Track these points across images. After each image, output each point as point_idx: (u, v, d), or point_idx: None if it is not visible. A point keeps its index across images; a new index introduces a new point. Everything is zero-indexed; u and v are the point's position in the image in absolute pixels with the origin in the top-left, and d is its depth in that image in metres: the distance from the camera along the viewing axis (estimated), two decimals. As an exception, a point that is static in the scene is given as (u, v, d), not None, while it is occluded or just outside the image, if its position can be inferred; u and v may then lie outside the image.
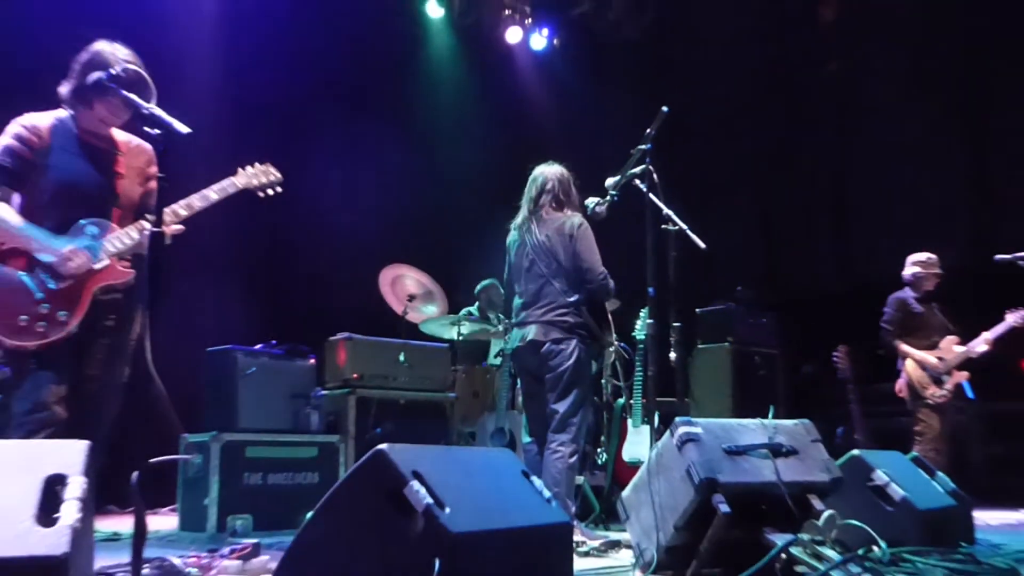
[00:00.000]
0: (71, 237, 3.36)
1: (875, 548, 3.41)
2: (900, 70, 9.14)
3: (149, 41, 3.80)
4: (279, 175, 3.80)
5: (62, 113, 3.49)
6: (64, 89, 3.46)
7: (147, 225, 3.40)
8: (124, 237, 3.43)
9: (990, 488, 6.93)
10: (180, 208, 3.48)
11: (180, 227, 3.49)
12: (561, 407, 4.65)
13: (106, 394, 3.45)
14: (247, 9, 7.76)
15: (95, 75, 3.32)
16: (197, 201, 3.51)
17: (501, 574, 2.68)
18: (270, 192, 3.78)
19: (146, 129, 3.05)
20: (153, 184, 3.57)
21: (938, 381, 6.39)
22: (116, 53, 3.37)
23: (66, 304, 3.31)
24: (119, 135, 3.59)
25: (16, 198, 3.40)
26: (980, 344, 6.40)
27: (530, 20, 9.61)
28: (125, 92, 3.20)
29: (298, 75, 7.98)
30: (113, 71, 3.29)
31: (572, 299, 4.70)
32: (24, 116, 3.44)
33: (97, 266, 3.38)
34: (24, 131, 3.39)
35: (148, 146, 3.59)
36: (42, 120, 3.44)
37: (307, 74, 8.04)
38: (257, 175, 3.74)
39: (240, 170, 3.72)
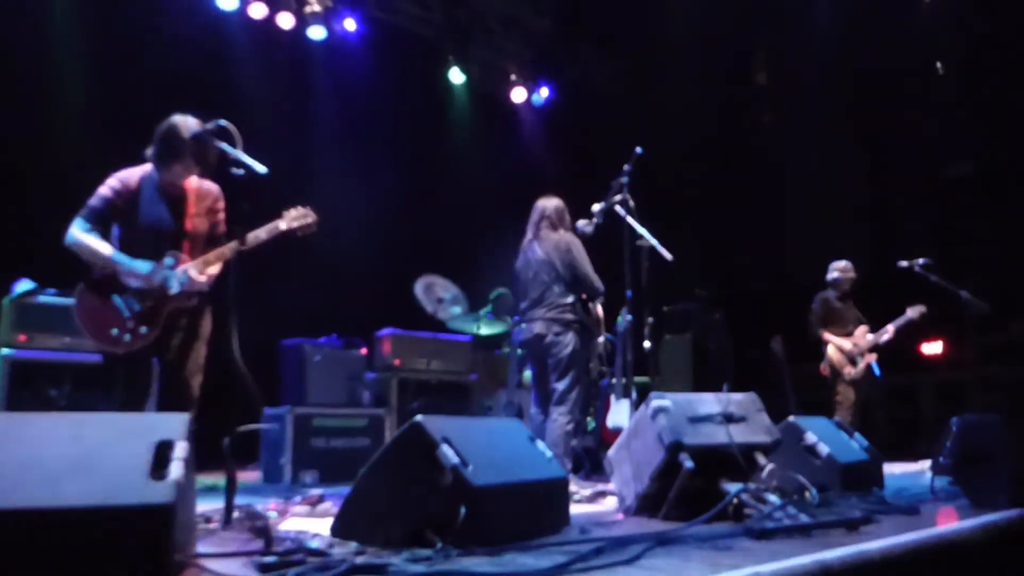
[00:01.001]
0: (155, 263, 3.36)
1: (807, 493, 3.38)
2: (818, 118, 9.14)
3: (230, 95, 3.77)
4: (315, 217, 3.62)
5: (148, 168, 3.46)
6: (149, 151, 3.44)
7: (208, 267, 3.41)
8: (191, 269, 3.39)
9: (894, 445, 6.89)
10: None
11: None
12: (560, 385, 4.63)
13: (187, 373, 3.44)
14: (312, 71, 7.96)
15: (190, 132, 3.30)
16: (251, 239, 3.44)
17: (514, 518, 2.66)
18: (307, 233, 3.59)
19: (232, 170, 3.03)
20: (219, 217, 3.55)
21: (853, 362, 6.36)
22: (186, 123, 3.34)
23: (147, 321, 3.34)
24: (191, 182, 3.53)
25: (116, 231, 3.40)
26: (886, 334, 6.39)
27: (532, 82, 9.66)
28: (217, 141, 3.19)
29: (355, 126, 8.00)
30: (207, 127, 3.26)
31: (569, 300, 4.67)
32: (121, 171, 3.44)
33: (172, 292, 3.37)
34: (118, 183, 3.40)
35: (214, 188, 3.56)
36: (133, 175, 3.44)
37: (365, 125, 8.07)
38: (297, 218, 3.57)
39: (284, 212, 3.56)
